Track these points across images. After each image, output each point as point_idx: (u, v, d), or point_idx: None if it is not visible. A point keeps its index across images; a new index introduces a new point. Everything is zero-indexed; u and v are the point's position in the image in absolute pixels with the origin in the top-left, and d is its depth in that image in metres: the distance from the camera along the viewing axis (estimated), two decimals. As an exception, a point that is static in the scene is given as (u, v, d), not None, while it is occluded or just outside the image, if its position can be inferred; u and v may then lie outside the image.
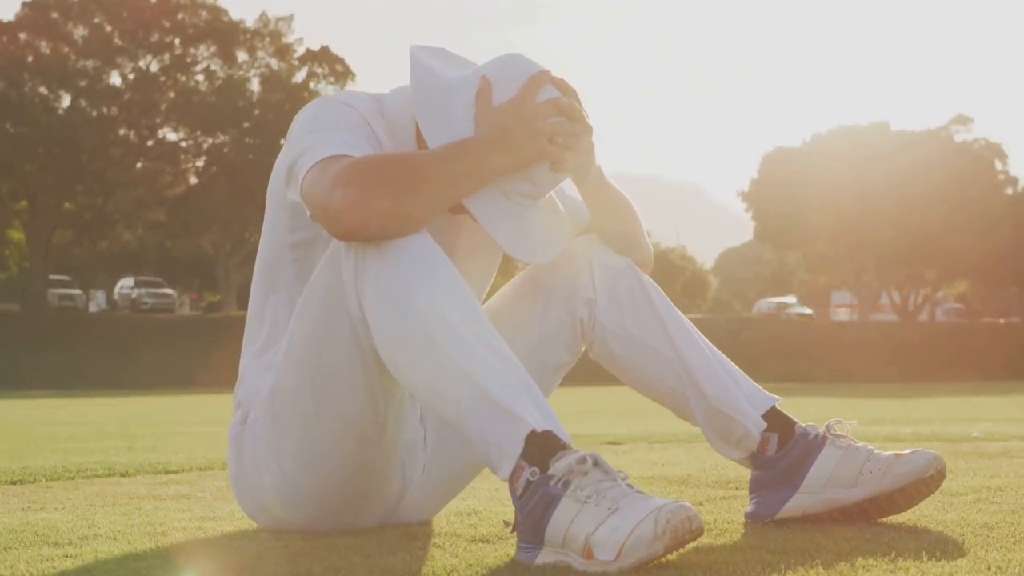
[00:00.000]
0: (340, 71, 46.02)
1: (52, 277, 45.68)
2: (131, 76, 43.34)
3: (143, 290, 47.82)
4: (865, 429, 6.36)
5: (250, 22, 45.39)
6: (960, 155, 48.70)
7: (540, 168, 2.12)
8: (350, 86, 46.78)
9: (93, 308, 50.95)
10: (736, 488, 3.00)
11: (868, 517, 2.29)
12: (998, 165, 51.40)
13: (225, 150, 44.21)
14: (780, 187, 49.28)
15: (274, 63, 45.47)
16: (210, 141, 44.98)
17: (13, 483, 3.56)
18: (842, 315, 57.56)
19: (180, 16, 43.72)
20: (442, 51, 2.27)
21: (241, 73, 44.94)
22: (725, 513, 2.52)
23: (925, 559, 1.89)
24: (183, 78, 44.28)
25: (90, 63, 42.61)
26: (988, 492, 2.78)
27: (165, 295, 47.68)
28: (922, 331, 45.13)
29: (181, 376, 33.44)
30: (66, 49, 42.63)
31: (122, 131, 43.60)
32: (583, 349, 2.41)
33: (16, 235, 46.49)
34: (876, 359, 39.36)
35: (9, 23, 42.74)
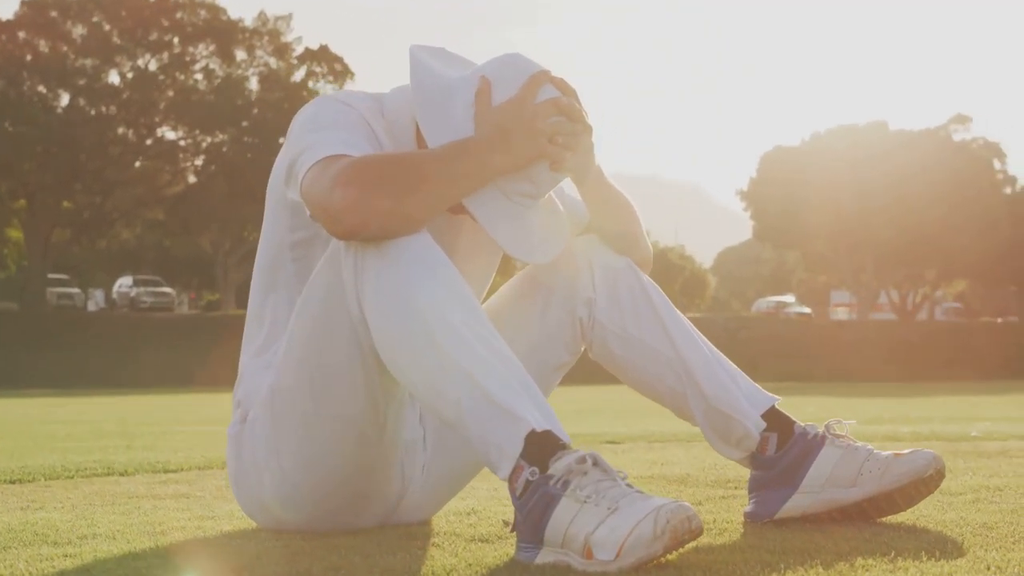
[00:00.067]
0: (339, 70, 46.02)
1: (51, 276, 45.69)
2: (130, 75, 43.34)
3: (142, 289, 47.83)
4: (864, 428, 6.37)
5: (249, 21, 45.42)
6: (959, 154, 48.72)
7: (540, 168, 2.12)
8: (349, 85, 46.79)
9: (92, 307, 50.95)
10: (735, 488, 3.00)
11: (867, 517, 2.29)
12: (996, 164, 51.44)
13: (224, 149, 44.22)
14: (779, 186, 49.30)
15: (273, 62, 45.48)
16: (209, 140, 44.99)
17: (12, 482, 3.56)
18: (841, 314, 57.59)
19: (179, 15, 43.72)
20: (442, 51, 2.27)
21: (240, 72, 44.95)
22: (724, 513, 2.52)
23: (924, 559, 1.89)
24: (182, 77, 44.29)
25: (89, 62, 42.62)
26: (987, 492, 2.78)
27: (164, 294, 47.69)
28: (921, 330, 45.16)
29: (180, 375, 33.46)
30: (65, 48, 42.64)
31: (121, 130, 43.61)
32: (583, 349, 2.41)
33: (15, 234, 46.49)
34: (875, 358, 39.39)
35: (8, 22, 42.74)
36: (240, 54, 44.94)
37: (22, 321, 38.90)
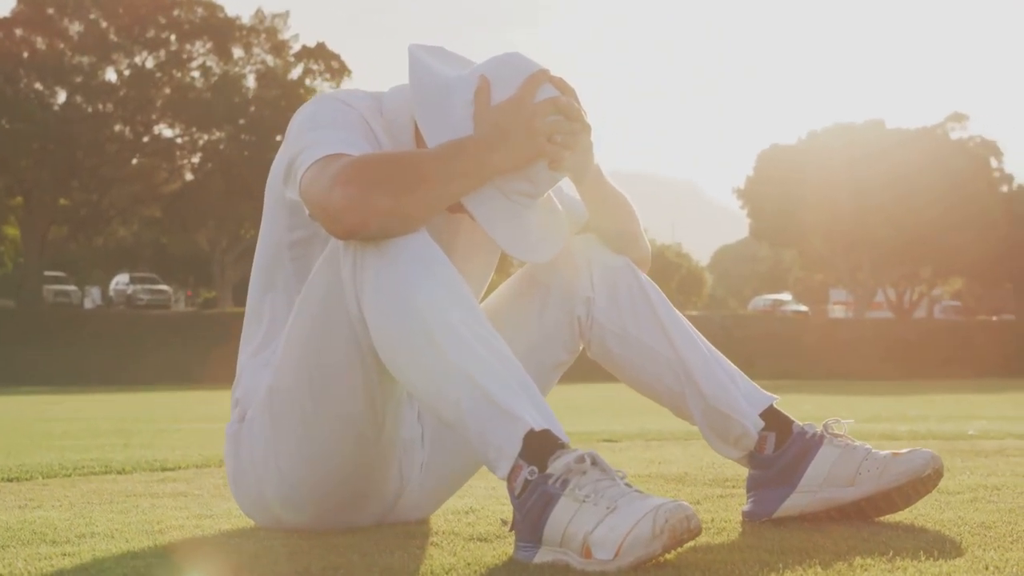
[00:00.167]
0: (336, 68, 45.99)
1: (47, 273, 45.65)
2: (127, 72, 43.30)
3: (138, 286, 47.78)
4: (861, 427, 6.37)
5: (246, 18, 45.39)
6: (955, 153, 48.74)
7: (539, 167, 2.12)
8: (346, 83, 46.76)
9: (88, 304, 50.90)
10: (733, 486, 3.00)
11: (865, 516, 2.29)
12: (993, 163, 51.47)
13: (221, 146, 44.19)
14: (776, 185, 49.32)
15: (270, 60, 45.45)
16: (206, 137, 44.96)
17: (10, 480, 3.56)
18: (837, 312, 57.61)
19: (176, 12, 43.68)
20: (441, 50, 2.27)
21: (237, 70, 44.91)
22: (722, 512, 2.52)
23: (923, 558, 1.89)
24: (179, 74, 44.25)
25: (86, 59, 42.57)
26: (985, 491, 2.78)
27: (160, 291, 47.66)
28: (918, 329, 45.17)
29: (177, 372, 33.44)
30: (62, 45, 42.59)
31: (118, 127, 43.56)
32: (581, 348, 2.41)
33: (11, 231, 46.46)
34: (872, 357, 39.40)
35: (5, 19, 42.69)
36: (237, 52, 44.90)
37: (18, 318, 38.86)
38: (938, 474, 2.28)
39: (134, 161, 44.93)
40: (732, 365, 2.38)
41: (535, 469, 1.89)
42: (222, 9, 44.70)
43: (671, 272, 65.65)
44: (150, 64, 43.70)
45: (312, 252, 2.26)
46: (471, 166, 2.07)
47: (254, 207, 37.60)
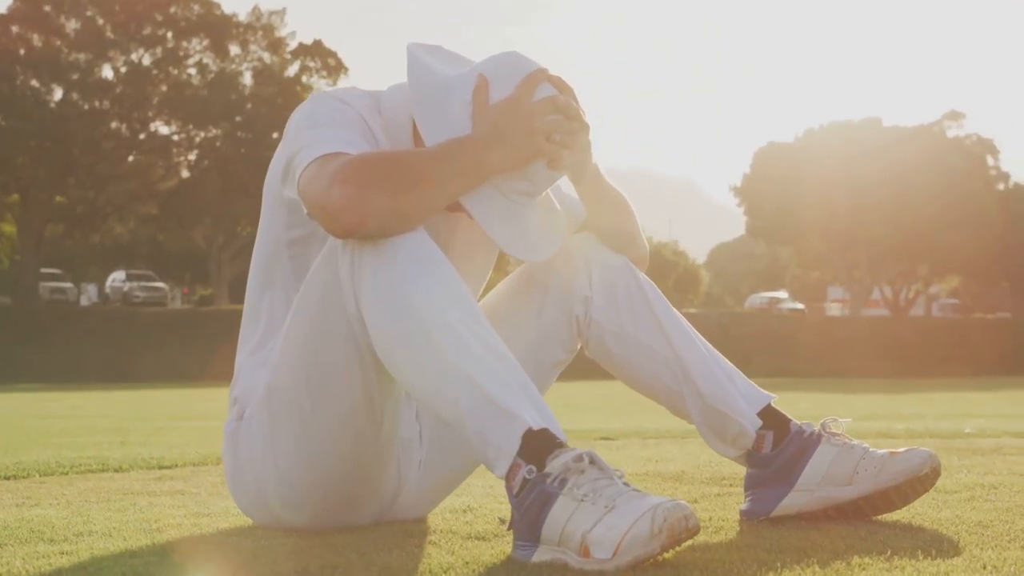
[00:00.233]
0: (333, 65, 45.95)
1: (44, 270, 45.59)
2: (123, 69, 43.25)
3: (135, 283, 47.70)
4: (858, 425, 6.38)
5: (243, 16, 45.36)
6: (952, 151, 48.77)
7: (537, 166, 2.12)
8: (343, 80, 46.73)
9: (84, 301, 50.86)
10: (731, 485, 3.00)
11: (863, 515, 2.30)
12: (990, 161, 51.51)
13: (217, 144, 44.15)
14: (772, 182, 49.34)
15: (267, 57, 45.40)
16: (202, 135, 44.91)
17: (7, 478, 3.55)
18: (834, 310, 57.62)
19: (172, 9, 43.63)
20: (439, 49, 2.27)
21: (233, 67, 44.87)
22: (720, 510, 2.52)
23: (920, 557, 1.89)
24: (175, 71, 44.19)
25: (82, 56, 42.51)
26: (982, 490, 2.78)
27: (157, 289, 47.60)
28: (915, 326, 45.19)
29: (173, 370, 33.43)
30: (58, 42, 42.54)
31: (114, 124, 43.52)
32: (579, 347, 2.41)
33: (8, 228, 46.40)
34: (868, 354, 39.41)
35: (1, 16, 42.63)
36: (234, 49, 44.86)
37: (15, 315, 38.82)
38: (935, 473, 2.28)
39: (130, 158, 44.88)
40: (730, 364, 2.38)
41: (533, 468, 1.89)
42: (219, 6, 44.67)
43: (668, 270, 65.64)
44: (146, 61, 43.65)
45: (310, 251, 2.26)
46: (469, 165, 2.07)
47: (250, 204, 37.61)
